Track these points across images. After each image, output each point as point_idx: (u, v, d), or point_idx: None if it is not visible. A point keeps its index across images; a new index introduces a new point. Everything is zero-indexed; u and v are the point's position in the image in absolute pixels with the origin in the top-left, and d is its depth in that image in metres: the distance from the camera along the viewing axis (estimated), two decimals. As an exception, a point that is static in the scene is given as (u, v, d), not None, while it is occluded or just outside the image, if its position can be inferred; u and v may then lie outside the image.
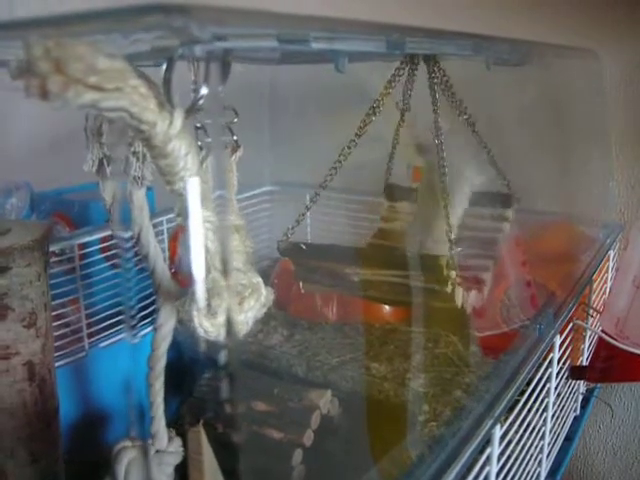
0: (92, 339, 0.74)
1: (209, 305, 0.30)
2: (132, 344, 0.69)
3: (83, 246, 0.73)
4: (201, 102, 0.28)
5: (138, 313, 0.65)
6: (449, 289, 0.61)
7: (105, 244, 0.76)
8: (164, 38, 0.23)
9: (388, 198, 0.77)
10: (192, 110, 0.28)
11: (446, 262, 0.61)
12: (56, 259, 0.71)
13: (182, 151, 0.27)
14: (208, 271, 0.29)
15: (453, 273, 0.62)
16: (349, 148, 0.66)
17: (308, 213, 0.70)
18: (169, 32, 0.22)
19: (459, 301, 0.63)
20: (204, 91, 0.28)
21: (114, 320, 0.75)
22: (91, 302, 0.74)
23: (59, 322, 0.69)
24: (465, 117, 0.69)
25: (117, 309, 0.75)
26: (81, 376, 0.72)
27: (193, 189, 0.27)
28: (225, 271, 0.29)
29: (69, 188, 0.96)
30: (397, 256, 0.67)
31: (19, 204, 0.97)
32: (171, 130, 0.26)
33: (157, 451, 0.45)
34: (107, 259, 0.77)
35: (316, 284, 0.73)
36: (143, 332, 0.69)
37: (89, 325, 0.74)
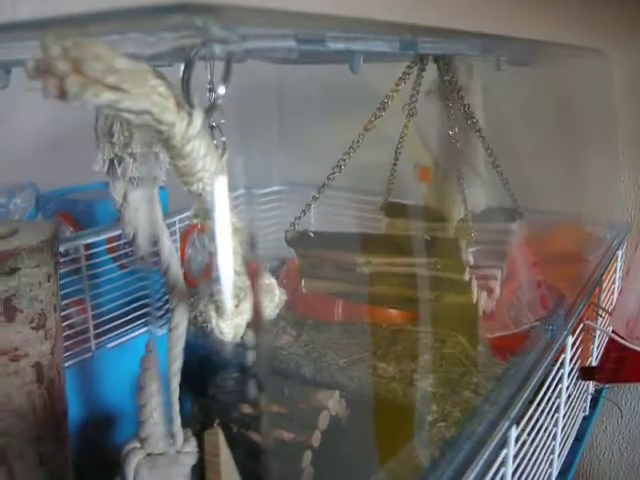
0: (99, 339, 0.74)
1: (226, 306, 0.30)
2: (138, 345, 0.69)
3: (90, 246, 0.73)
4: (219, 102, 0.28)
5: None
6: (466, 277, 0.62)
7: (113, 244, 0.76)
8: (186, 38, 0.23)
9: (388, 215, 0.78)
10: (211, 110, 0.28)
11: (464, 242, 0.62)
12: (61, 260, 0.71)
13: (201, 152, 0.26)
14: (227, 272, 0.28)
15: (470, 257, 0.62)
16: (358, 142, 0.66)
17: (312, 205, 0.70)
18: (192, 32, 0.22)
19: (474, 295, 0.63)
20: (222, 91, 0.28)
21: (121, 321, 0.75)
22: (99, 302, 0.74)
23: (66, 323, 0.68)
24: (473, 120, 0.69)
25: (124, 309, 0.75)
26: (88, 377, 0.71)
27: (214, 189, 0.27)
28: (247, 272, 0.29)
29: (73, 188, 0.95)
30: (411, 243, 0.67)
31: (23, 204, 0.96)
32: (190, 131, 0.26)
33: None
34: (115, 259, 0.77)
35: (322, 280, 0.73)
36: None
37: (96, 326, 0.74)
